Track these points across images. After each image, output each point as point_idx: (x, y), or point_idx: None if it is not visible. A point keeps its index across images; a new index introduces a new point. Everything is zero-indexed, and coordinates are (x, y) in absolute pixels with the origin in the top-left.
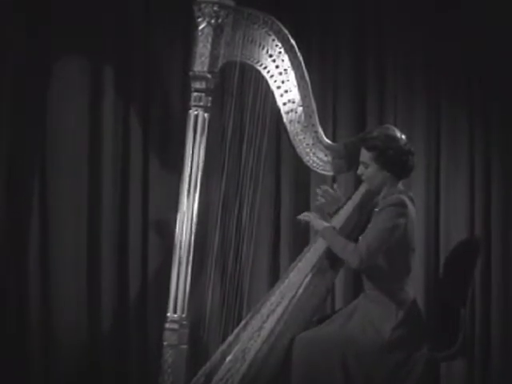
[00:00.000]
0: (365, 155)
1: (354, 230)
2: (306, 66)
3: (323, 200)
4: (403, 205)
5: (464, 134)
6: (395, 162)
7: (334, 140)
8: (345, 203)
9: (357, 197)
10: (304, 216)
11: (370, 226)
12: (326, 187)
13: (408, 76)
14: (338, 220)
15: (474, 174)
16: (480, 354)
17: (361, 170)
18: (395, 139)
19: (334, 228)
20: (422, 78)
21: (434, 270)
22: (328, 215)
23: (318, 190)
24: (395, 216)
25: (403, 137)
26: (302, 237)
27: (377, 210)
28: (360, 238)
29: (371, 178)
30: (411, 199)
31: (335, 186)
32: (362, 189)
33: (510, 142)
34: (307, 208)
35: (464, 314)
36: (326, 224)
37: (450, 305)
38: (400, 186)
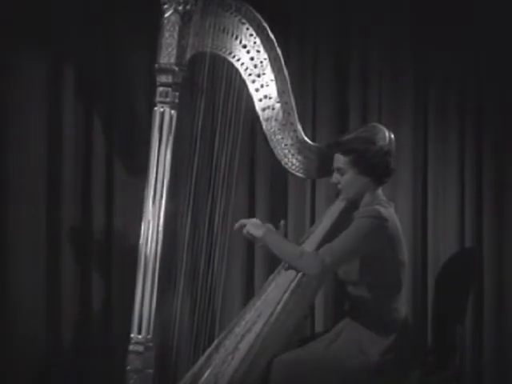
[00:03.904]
0: (340, 161)
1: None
2: (284, 58)
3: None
4: (380, 217)
5: (453, 132)
6: (376, 165)
7: (313, 140)
8: (314, 230)
9: (333, 214)
10: (239, 223)
11: None
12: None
13: (394, 71)
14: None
15: (464, 175)
16: (472, 377)
17: (336, 177)
18: (373, 140)
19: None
20: (408, 73)
21: (421, 281)
22: None
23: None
24: (368, 227)
25: (392, 136)
26: None
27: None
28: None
29: (349, 185)
30: (391, 206)
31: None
32: (339, 203)
33: (502, 139)
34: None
35: (461, 331)
36: (266, 228)
37: (444, 321)
38: (380, 192)
